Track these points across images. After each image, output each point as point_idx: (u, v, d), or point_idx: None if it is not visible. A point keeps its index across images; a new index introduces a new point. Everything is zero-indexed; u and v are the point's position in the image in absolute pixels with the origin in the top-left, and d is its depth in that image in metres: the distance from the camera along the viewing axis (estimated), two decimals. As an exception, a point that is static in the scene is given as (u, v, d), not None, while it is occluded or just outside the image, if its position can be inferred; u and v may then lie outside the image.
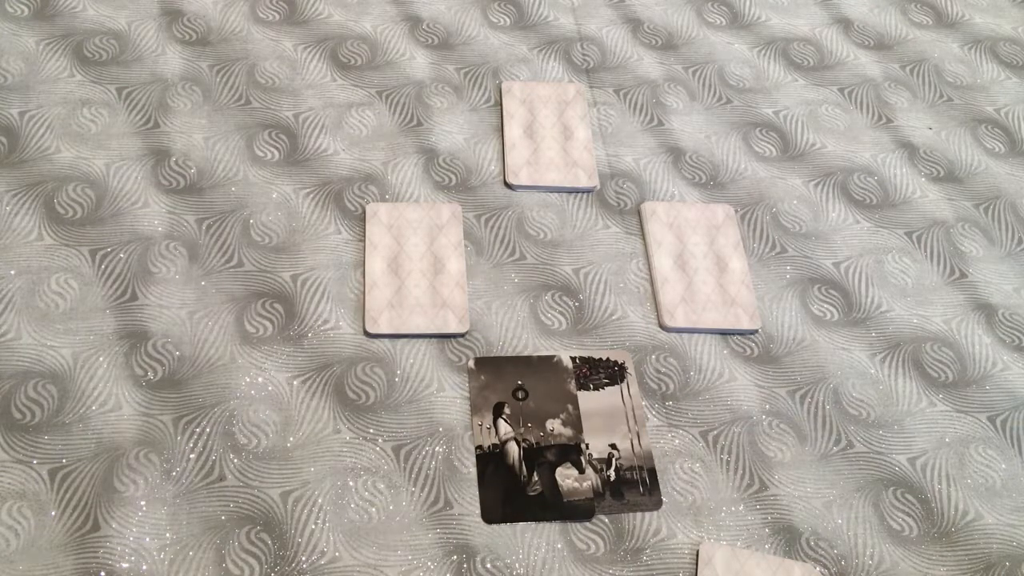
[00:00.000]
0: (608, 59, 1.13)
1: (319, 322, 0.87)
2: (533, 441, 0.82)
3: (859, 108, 1.12)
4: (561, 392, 0.85)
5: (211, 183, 0.95)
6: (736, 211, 1.00)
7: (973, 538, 0.81)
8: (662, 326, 0.90)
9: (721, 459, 0.83)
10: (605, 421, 0.84)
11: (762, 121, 1.09)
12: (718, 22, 1.19)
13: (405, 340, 0.87)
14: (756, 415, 0.86)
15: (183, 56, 1.05)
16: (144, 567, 0.72)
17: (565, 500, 0.79)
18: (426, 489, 0.78)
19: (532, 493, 0.79)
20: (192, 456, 0.78)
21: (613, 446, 0.82)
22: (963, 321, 0.94)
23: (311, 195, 0.95)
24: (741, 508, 0.80)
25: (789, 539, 0.79)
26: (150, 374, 0.82)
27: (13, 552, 0.72)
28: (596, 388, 0.86)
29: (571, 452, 0.82)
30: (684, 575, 0.76)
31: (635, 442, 0.83)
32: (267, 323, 0.86)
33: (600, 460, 0.82)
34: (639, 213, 0.99)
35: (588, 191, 1.00)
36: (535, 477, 0.80)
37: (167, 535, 0.74)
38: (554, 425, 0.83)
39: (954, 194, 1.05)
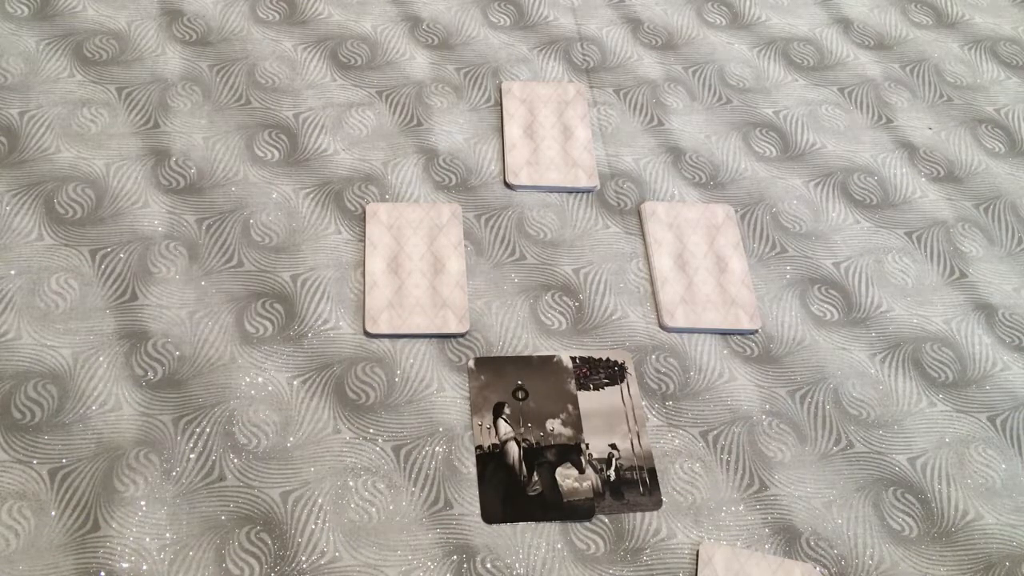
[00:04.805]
0: (608, 59, 1.13)
1: (319, 322, 0.87)
2: (533, 441, 0.82)
3: (859, 108, 1.12)
4: (561, 392, 0.85)
5: (211, 183, 0.95)
6: (736, 211, 1.00)
7: (973, 538, 0.81)
8: (662, 326, 0.90)
9: (721, 459, 0.83)
10: (605, 421, 0.84)
11: (762, 121, 1.09)
12: (718, 22, 1.19)
13: (405, 340, 0.87)
14: (756, 415, 0.86)
15: (183, 56, 1.05)
16: (144, 567, 0.72)
17: (565, 500, 0.79)
18: (426, 489, 0.78)
19: (532, 493, 0.79)
20: (192, 456, 0.78)
21: (613, 446, 0.82)
22: (963, 321, 0.94)
23: (311, 195, 0.95)
24: (741, 508, 0.80)
25: (789, 539, 0.79)
26: (150, 374, 0.82)
27: (13, 552, 0.72)
28: (596, 388, 0.86)
29: (571, 452, 0.82)
30: (684, 575, 0.76)
31: (635, 442, 0.83)
32: (267, 323, 0.86)
33: (600, 460, 0.82)
34: (639, 213, 0.99)
35: (588, 191, 1.00)
36: (535, 477, 0.80)
37: (167, 535, 0.74)
38: (554, 425, 0.83)
39: (954, 194, 1.05)
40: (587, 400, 0.85)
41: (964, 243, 1.01)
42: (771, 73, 1.14)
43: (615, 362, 0.87)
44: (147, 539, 0.73)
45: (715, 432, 0.84)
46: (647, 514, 0.79)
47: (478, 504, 0.78)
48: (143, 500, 0.75)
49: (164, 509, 0.75)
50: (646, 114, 1.08)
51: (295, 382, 0.83)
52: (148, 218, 0.91)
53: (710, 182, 1.02)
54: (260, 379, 0.83)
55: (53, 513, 0.74)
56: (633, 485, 0.80)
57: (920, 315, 0.94)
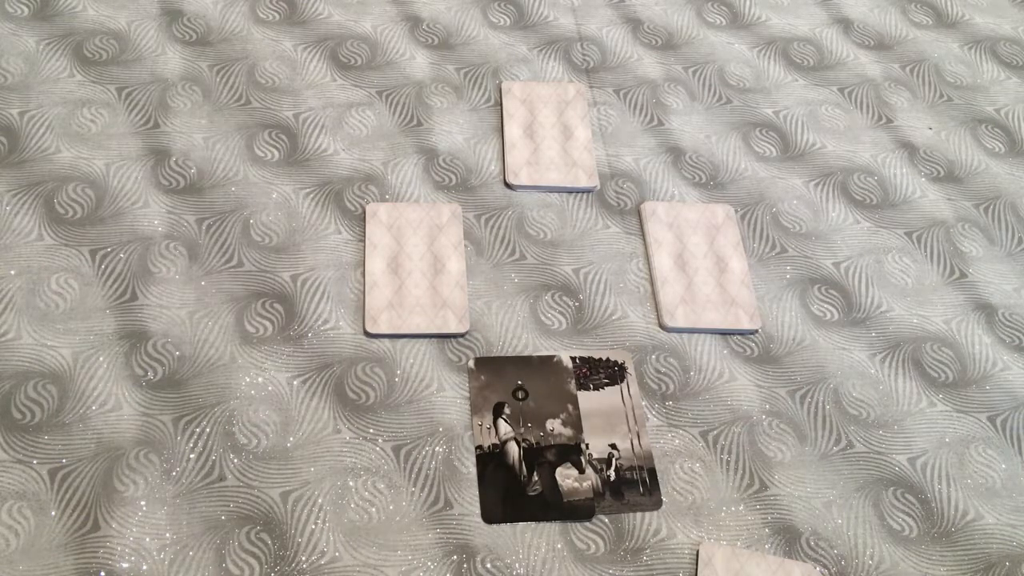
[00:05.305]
0: (608, 59, 1.13)
1: (319, 322, 0.87)
2: (533, 441, 0.82)
3: (859, 108, 1.12)
4: (561, 392, 0.85)
5: (211, 183, 0.95)
6: (736, 211, 1.00)
7: (973, 538, 0.81)
8: (662, 326, 0.90)
9: (721, 459, 0.83)
10: (605, 421, 0.84)
11: (762, 121, 1.09)
12: (718, 22, 1.19)
13: (405, 340, 0.87)
14: (756, 415, 0.86)
15: (183, 56, 1.05)
16: (144, 567, 0.72)
17: (565, 500, 0.79)
18: (426, 489, 0.78)
19: (532, 493, 0.79)
20: (192, 456, 0.78)
21: (613, 446, 0.82)
22: (963, 321, 0.94)
23: (311, 195, 0.95)
24: (741, 508, 0.80)
25: (789, 539, 0.79)
26: (150, 374, 0.82)
27: (13, 552, 0.72)
28: (596, 388, 0.86)
29: (571, 452, 0.82)
30: (684, 575, 0.76)
31: (635, 442, 0.83)
32: (267, 323, 0.86)
33: (600, 460, 0.82)
34: (639, 213, 0.99)
35: (588, 191, 1.00)
36: (535, 477, 0.80)
37: (167, 535, 0.74)
38: (554, 425, 0.83)
39: (954, 194, 1.05)
40: (587, 400, 0.85)
41: (964, 243, 1.01)
42: (771, 73, 1.14)
43: (615, 362, 0.87)
44: (147, 539, 0.73)
45: (715, 432, 0.84)
46: (647, 514, 0.79)
47: (478, 504, 0.78)
48: (143, 500, 0.75)
49: (164, 509, 0.75)
50: (646, 114, 1.08)
51: (295, 382, 0.83)
52: (148, 218, 0.91)
53: (710, 182, 1.02)
54: (260, 379, 0.83)
55: (53, 513, 0.74)
56: (633, 485, 0.80)
57: (920, 315, 0.94)
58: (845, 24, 1.22)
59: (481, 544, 0.76)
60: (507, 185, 0.99)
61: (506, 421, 0.83)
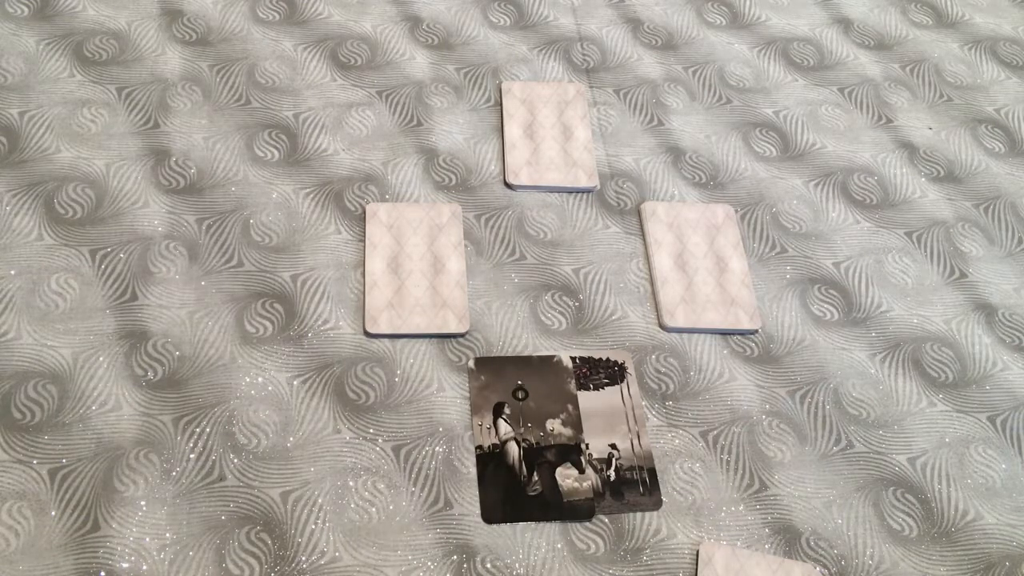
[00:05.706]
0: (608, 59, 1.13)
1: (319, 322, 0.87)
2: (533, 441, 0.82)
3: (859, 108, 1.12)
4: (561, 392, 0.85)
5: (211, 183, 0.95)
6: (736, 211, 1.00)
7: (973, 538, 0.81)
8: (662, 326, 0.90)
9: (721, 459, 0.83)
10: (605, 421, 0.84)
11: (762, 121, 1.09)
12: (718, 22, 1.19)
13: (405, 340, 0.87)
14: (756, 415, 0.86)
15: (183, 56, 1.05)
16: (144, 567, 0.72)
17: (565, 500, 0.79)
18: (426, 489, 0.78)
19: (532, 493, 0.79)
20: (192, 456, 0.78)
21: (613, 446, 0.82)
22: (963, 321, 0.94)
23: (311, 195, 0.96)
24: (741, 508, 0.80)
25: (789, 539, 0.79)
26: (150, 374, 0.82)
27: (13, 552, 0.72)
28: (596, 388, 0.86)
29: (571, 452, 0.82)
30: (684, 575, 0.76)
31: (635, 442, 0.83)
32: (267, 323, 0.86)
33: (600, 460, 0.82)
34: (639, 213, 0.99)
35: (588, 191, 1.00)
36: (535, 477, 0.80)
37: (167, 535, 0.74)
38: (554, 425, 0.83)
39: (954, 194, 1.05)
40: (587, 400, 0.85)
41: (964, 243, 1.01)
42: (771, 73, 1.14)
43: (615, 362, 0.87)
44: (147, 539, 0.73)
45: (715, 432, 0.84)
46: (647, 514, 0.79)
47: (478, 504, 0.78)
48: (143, 500, 0.75)
49: (164, 509, 0.75)
50: (646, 114, 1.08)
51: (295, 382, 0.83)
52: (148, 218, 0.91)
53: (710, 182, 1.02)
54: (260, 379, 0.83)
55: (53, 513, 0.74)
56: (633, 485, 0.80)
57: (920, 315, 0.94)
58: (845, 24, 1.22)
59: (481, 544, 0.76)
60: (507, 185, 0.99)
61: (506, 421, 0.83)
